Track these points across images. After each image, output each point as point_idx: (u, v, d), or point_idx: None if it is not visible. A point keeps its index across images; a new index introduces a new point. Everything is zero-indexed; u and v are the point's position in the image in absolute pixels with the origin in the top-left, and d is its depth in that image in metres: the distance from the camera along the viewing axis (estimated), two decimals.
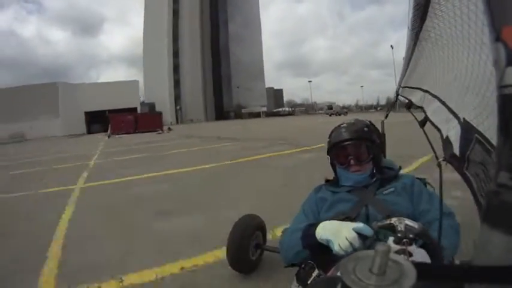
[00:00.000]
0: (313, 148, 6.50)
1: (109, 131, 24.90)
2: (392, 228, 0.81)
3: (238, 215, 1.75)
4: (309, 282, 0.91)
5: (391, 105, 1.23)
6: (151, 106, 62.83)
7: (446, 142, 0.66)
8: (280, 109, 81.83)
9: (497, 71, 0.31)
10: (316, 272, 0.92)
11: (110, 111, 35.26)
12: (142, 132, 25.27)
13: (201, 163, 5.67)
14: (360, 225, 0.85)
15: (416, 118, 0.90)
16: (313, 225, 0.95)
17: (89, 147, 13.79)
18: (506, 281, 0.32)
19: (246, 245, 1.61)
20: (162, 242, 2.20)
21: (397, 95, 1.11)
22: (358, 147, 1.09)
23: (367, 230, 0.84)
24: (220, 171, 4.94)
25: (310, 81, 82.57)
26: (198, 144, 10.07)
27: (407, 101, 1.02)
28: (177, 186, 4.05)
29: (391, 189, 1.06)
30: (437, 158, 0.69)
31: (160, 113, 32.45)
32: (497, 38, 0.30)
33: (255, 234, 1.69)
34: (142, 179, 4.67)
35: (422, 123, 0.87)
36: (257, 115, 72.62)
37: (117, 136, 22.52)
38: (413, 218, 0.99)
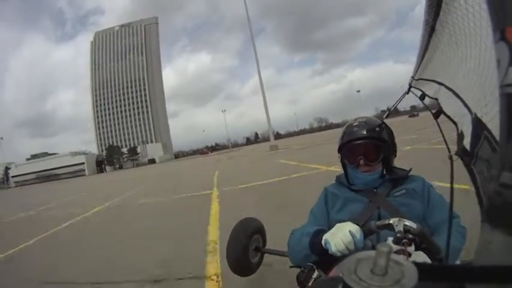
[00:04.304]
0: None
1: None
2: (391, 228, 0.81)
3: None
4: (309, 283, 0.91)
5: (398, 101, 1.20)
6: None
7: (461, 136, 0.67)
8: None
9: (500, 70, 0.31)
10: (316, 274, 0.92)
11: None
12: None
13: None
14: (356, 232, 0.84)
15: (430, 110, 0.89)
16: (322, 231, 0.94)
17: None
18: (508, 281, 0.31)
19: (246, 248, 1.60)
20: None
21: (410, 86, 1.08)
22: (368, 147, 1.07)
23: (359, 242, 0.83)
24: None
25: None
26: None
27: (420, 92, 0.99)
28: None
29: (403, 191, 1.05)
30: (449, 150, 0.69)
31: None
32: (500, 37, 0.30)
33: (254, 238, 1.68)
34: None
35: (436, 115, 0.87)
36: None
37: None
38: (424, 220, 1.00)
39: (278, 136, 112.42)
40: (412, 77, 1.04)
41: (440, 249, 0.80)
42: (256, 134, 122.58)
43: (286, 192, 5.47)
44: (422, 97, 0.99)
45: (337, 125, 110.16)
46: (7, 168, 78.78)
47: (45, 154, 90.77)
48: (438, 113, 0.83)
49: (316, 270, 0.93)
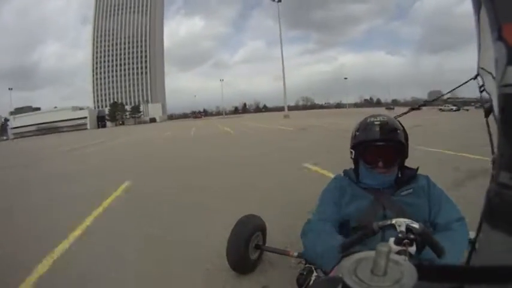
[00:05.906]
0: None
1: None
2: (393, 229, 0.81)
3: None
4: (309, 285, 0.91)
5: (459, 86, 1.07)
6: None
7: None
8: None
9: (498, 69, 0.30)
10: (314, 275, 0.92)
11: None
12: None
13: None
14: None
15: (483, 105, 0.81)
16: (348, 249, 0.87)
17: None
18: (506, 281, 0.31)
19: (246, 245, 1.61)
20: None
21: (477, 74, 0.96)
22: (389, 150, 1.04)
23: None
24: None
25: None
26: None
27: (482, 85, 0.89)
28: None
29: (409, 191, 1.04)
30: (493, 152, 0.66)
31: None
32: (498, 36, 0.30)
33: (255, 235, 1.69)
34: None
35: (487, 113, 0.81)
36: None
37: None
38: (430, 220, 1.00)
39: (266, 109, 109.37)
40: (478, 63, 0.91)
41: (443, 249, 0.79)
42: (245, 104, 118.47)
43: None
44: (482, 90, 0.88)
45: (321, 106, 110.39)
46: (6, 120, 75.12)
47: (30, 108, 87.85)
48: (489, 110, 0.77)
49: (315, 271, 0.93)
